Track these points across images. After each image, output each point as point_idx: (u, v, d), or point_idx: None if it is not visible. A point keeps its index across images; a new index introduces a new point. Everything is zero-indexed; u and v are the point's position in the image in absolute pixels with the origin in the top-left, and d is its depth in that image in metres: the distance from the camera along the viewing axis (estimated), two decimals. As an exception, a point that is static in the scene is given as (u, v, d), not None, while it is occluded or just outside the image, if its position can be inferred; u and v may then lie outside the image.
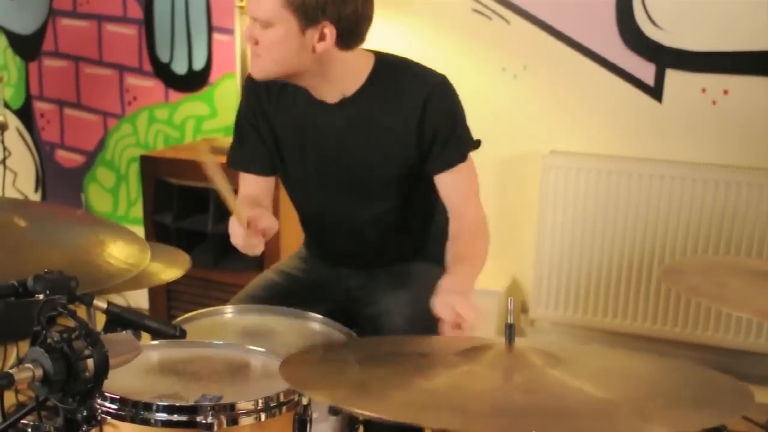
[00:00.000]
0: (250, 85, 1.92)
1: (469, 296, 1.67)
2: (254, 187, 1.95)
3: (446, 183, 1.86)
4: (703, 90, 2.82)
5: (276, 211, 2.78)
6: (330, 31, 1.70)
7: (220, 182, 1.60)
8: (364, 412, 1.11)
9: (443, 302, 1.61)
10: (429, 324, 1.84)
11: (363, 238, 1.96)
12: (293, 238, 2.86)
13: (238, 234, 1.72)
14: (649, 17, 2.84)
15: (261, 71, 1.78)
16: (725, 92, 2.80)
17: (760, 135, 2.80)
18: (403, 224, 1.97)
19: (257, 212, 1.72)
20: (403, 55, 1.90)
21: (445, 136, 1.82)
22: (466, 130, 1.88)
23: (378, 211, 1.93)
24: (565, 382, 1.22)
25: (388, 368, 1.28)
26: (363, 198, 1.91)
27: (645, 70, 2.88)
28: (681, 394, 1.23)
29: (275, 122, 1.90)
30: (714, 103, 2.82)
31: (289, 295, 1.96)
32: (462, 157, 1.86)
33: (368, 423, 1.78)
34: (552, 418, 1.09)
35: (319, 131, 1.87)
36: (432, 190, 1.90)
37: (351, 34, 1.74)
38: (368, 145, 1.85)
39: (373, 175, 1.88)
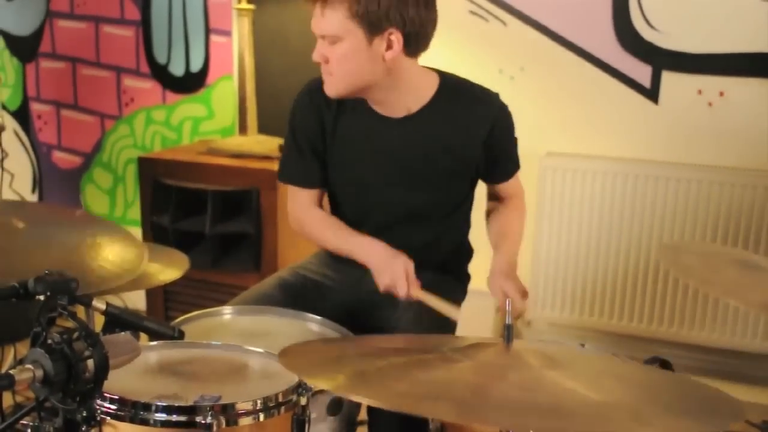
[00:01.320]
0: (308, 99, 1.92)
1: (516, 279, 1.84)
2: (310, 199, 1.98)
3: (503, 188, 2.05)
4: (699, 92, 2.83)
5: (274, 217, 2.82)
6: (396, 37, 1.74)
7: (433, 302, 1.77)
8: (362, 399, 1.12)
9: (495, 286, 1.80)
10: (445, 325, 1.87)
11: (401, 247, 1.93)
12: (291, 244, 2.87)
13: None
14: (646, 19, 2.85)
15: (335, 89, 1.81)
16: (721, 94, 2.81)
17: (756, 137, 2.81)
18: (439, 238, 2.01)
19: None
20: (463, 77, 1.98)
21: (508, 153, 2.00)
22: (517, 147, 2.04)
23: (422, 225, 1.97)
24: (561, 383, 1.22)
25: (387, 360, 1.29)
26: (410, 211, 1.95)
27: (641, 72, 2.89)
28: (676, 403, 1.23)
29: (336, 132, 1.90)
30: (710, 104, 2.83)
31: (300, 294, 1.97)
32: (515, 170, 2.05)
33: (371, 422, 1.79)
34: (548, 414, 1.10)
35: (379, 145, 1.89)
36: (470, 206, 2.05)
37: (417, 38, 1.78)
38: (428, 161, 1.89)
39: (427, 191, 1.93)
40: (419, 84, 1.87)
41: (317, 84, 1.90)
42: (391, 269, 1.79)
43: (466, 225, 2.11)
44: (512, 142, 2.01)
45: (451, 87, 1.90)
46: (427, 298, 1.78)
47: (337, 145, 1.92)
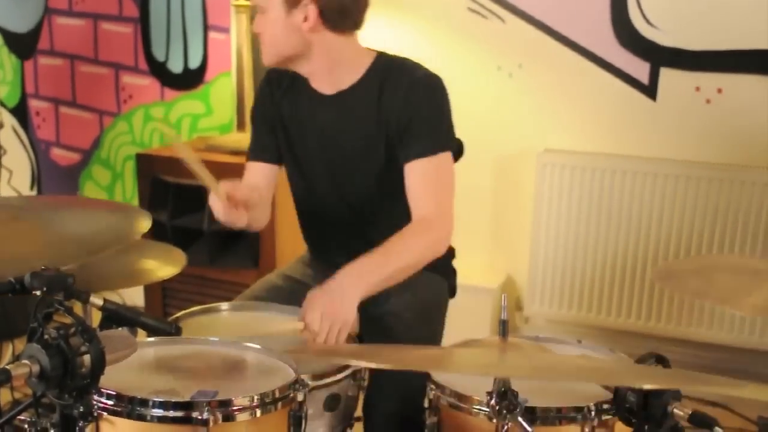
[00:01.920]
0: (266, 79, 2.02)
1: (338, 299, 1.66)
2: (256, 175, 2.01)
3: (411, 173, 1.82)
4: (697, 88, 2.83)
5: (273, 213, 2.81)
6: (312, 11, 1.78)
7: (191, 160, 1.69)
8: (365, 362, 1.13)
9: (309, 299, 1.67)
10: (432, 326, 1.86)
11: (362, 236, 1.92)
12: (289, 241, 2.87)
13: (218, 208, 1.78)
14: (644, 16, 2.85)
15: (265, 57, 1.89)
16: (719, 91, 2.81)
17: (754, 133, 2.82)
18: (401, 221, 1.93)
19: (233, 184, 1.77)
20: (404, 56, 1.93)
21: (419, 127, 1.82)
22: (443, 128, 1.87)
23: (373, 206, 1.94)
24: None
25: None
26: (355, 192, 1.93)
27: (639, 69, 2.89)
28: None
29: (283, 113, 1.97)
30: (708, 101, 2.83)
31: (291, 298, 1.93)
32: (432, 150, 1.82)
33: (366, 418, 1.80)
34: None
35: (313, 123, 1.93)
36: None
37: (336, 15, 1.81)
38: (352, 138, 1.89)
39: (360, 168, 1.91)
40: (351, 61, 1.88)
41: (274, 72, 1.99)
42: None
43: None
44: (427, 118, 1.83)
45: (383, 65, 1.89)
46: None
47: (286, 127, 1.98)
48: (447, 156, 1.85)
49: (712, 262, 2.14)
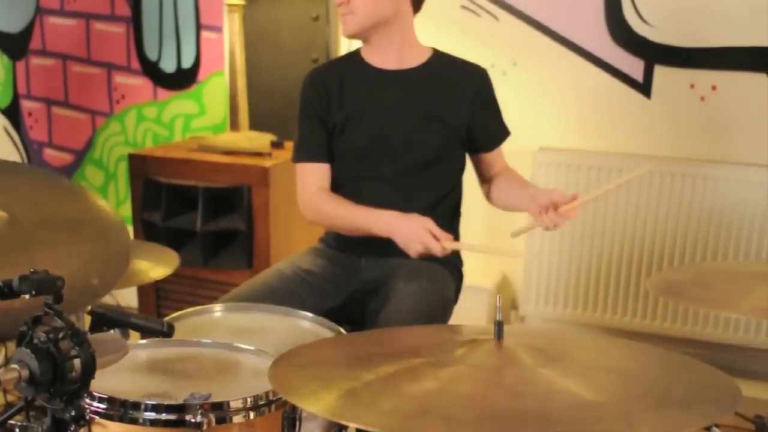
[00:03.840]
0: (310, 79, 2.08)
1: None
2: (322, 176, 2.05)
3: (493, 159, 2.13)
4: (692, 86, 2.83)
5: (267, 213, 2.81)
6: None
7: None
8: (351, 424, 1.11)
9: (540, 198, 1.90)
10: (436, 320, 1.88)
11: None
12: (283, 241, 2.86)
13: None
14: (638, 13, 2.85)
15: (355, 25, 1.99)
16: (713, 88, 2.81)
17: (748, 131, 2.81)
18: (435, 205, 2.05)
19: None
20: None
21: (496, 118, 2.13)
22: None
23: (417, 186, 2.03)
24: (554, 384, 1.21)
25: (377, 371, 1.26)
26: (405, 170, 2.03)
27: (634, 66, 2.89)
28: (670, 392, 1.22)
29: (341, 101, 2.04)
30: (702, 99, 2.83)
31: (299, 287, 2.00)
32: (507, 133, 2.15)
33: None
34: (538, 423, 1.09)
35: (377, 95, 2.03)
36: (461, 180, 2.12)
37: None
38: (424, 111, 2.02)
39: (425, 143, 2.03)
40: (417, 45, 2.09)
41: (316, 70, 2.11)
42: (417, 234, 1.84)
43: (459, 194, 2.14)
44: (498, 109, 2.13)
45: (442, 56, 2.10)
46: (463, 246, 1.96)
47: (342, 111, 2.03)
48: None
49: (707, 269, 2.15)
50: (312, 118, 2.05)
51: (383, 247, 1.93)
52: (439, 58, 2.09)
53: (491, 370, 1.26)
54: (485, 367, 1.27)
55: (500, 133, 2.14)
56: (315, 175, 2.04)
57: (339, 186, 2.06)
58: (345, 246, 2.09)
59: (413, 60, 2.06)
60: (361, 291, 2.04)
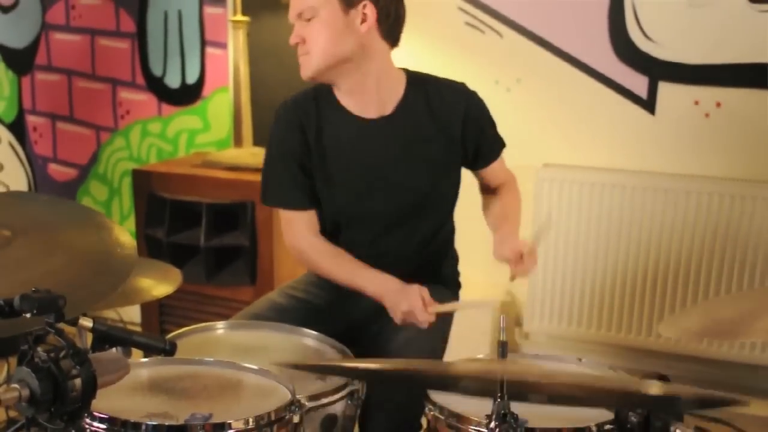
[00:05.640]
0: (288, 118, 1.92)
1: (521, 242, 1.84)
2: (311, 218, 1.95)
3: (492, 172, 2.06)
4: (696, 102, 2.83)
5: (271, 230, 2.80)
6: (371, 10, 1.79)
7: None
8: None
9: (503, 248, 1.82)
10: (436, 348, 1.86)
11: (392, 254, 1.96)
12: (287, 258, 2.85)
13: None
14: (642, 30, 2.85)
15: (310, 68, 1.84)
16: (718, 105, 2.80)
17: (753, 147, 2.80)
18: (433, 240, 2.01)
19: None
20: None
21: (490, 133, 2.02)
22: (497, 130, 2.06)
23: (415, 228, 1.97)
24: None
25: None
26: (401, 215, 1.95)
27: (638, 83, 2.89)
28: None
29: (318, 144, 1.90)
30: (707, 115, 2.82)
31: (293, 316, 1.93)
32: (503, 146, 2.07)
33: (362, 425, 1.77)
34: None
35: (361, 150, 1.90)
36: (453, 206, 2.04)
37: (390, 16, 1.83)
38: (412, 157, 1.91)
39: (416, 188, 1.93)
40: (394, 77, 1.91)
41: (289, 106, 1.93)
42: (408, 296, 1.77)
43: (452, 228, 2.10)
44: (489, 123, 2.03)
45: (419, 81, 1.94)
46: (447, 308, 1.84)
47: (321, 158, 1.92)
48: None
49: (714, 303, 2.11)
50: (291, 163, 1.91)
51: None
52: (415, 84, 1.92)
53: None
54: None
55: (495, 148, 2.05)
56: (303, 220, 1.94)
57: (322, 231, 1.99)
58: None
59: (391, 99, 1.90)
60: (356, 320, 1.97)
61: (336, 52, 1.81)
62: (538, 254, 1.83)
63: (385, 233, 1.96)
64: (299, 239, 1.95)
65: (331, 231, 1.98)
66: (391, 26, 1.85)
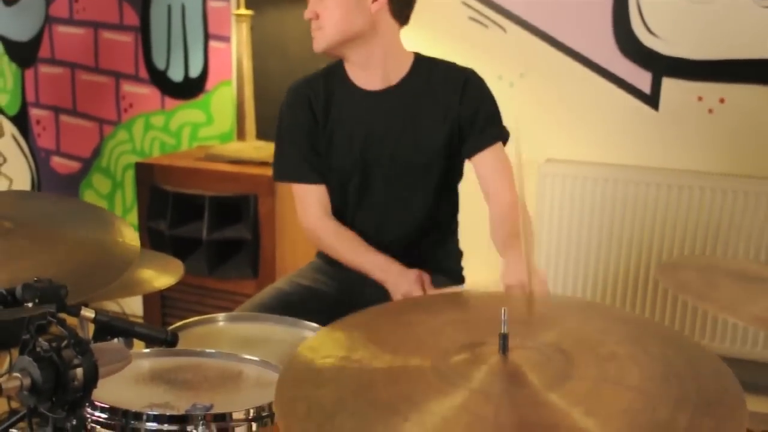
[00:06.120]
0: (295, 97, 2.00)
1: (527, 277, 1.65)
2: (322, 195, 2.01)
3: (486, 162, 1.95)
4: (700, 98, 2.82)
5: (273, 222, 2.81)
6: None
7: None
8: None
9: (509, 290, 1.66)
10: None
11: (395, 233, 2.01)
12: (289, 250, 2.86)
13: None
14: (646, 25, 2.84)
15: (324, 41, 1.91)
16: (722, 101, 2.80)
17: (757, 143, 2.80)
18: (433, 219, 2.04)
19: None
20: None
21: (484, 116, 1.96)
22: (500, 114, 2.01)
23: (413, 203, 2.00)
24: (560, 412, 1.13)
25: (375, 411, 1.16)
26: (400, 187, 1.98)
27: (641, 78, 2.88)
28: (677, 420, 1.17)
29: (326, 120, 1.98)
30: (710, 111, 2.82)
31: (299, 304, 1.97)
32: (500, 136, 1.98)
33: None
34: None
35: (365, 120, 1.96)
36: (457, 190, 2.06)
37: (402, 0, 1.92)
38: (411, 129, 1.95)
39: (414, 161, 1.96)
40: (401, 55, 1.98)
41: (300, 83, 2.02)
42: (406, 280, 1.83)
43: (454, 213, 2.12)
44: (489, 106, 1.98)
45: (426, 61, 2.01)
46: (445, 292, 1.85)
47: (328, 130, 1.98)
48: (501, 144, 2.00)
49: (717, 264, 2.07)
50: (301, 138, 1.99)
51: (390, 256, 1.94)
52: (421, 65, 1.99)
53: (495, 399, 1.14)
54: (489, 392, 1.15)
55: (488, 132, 1.97)
56: (315, 197, 2.01)
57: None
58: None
59: (396, 74, 1.97)
60: (366, 306, 1.99)
61: (348, 29, 1.89)
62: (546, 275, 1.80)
63: (385, 210, 2.00)
64: (313, 219, 2.01)
65: (337, 211, 2.03)
66: (401, 6, 1.93)
